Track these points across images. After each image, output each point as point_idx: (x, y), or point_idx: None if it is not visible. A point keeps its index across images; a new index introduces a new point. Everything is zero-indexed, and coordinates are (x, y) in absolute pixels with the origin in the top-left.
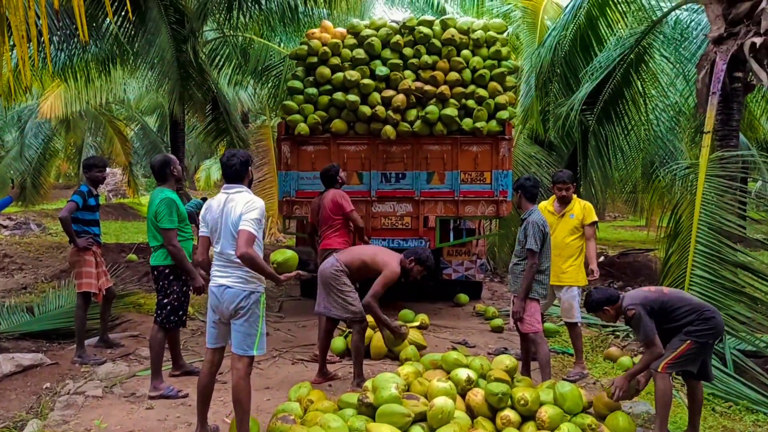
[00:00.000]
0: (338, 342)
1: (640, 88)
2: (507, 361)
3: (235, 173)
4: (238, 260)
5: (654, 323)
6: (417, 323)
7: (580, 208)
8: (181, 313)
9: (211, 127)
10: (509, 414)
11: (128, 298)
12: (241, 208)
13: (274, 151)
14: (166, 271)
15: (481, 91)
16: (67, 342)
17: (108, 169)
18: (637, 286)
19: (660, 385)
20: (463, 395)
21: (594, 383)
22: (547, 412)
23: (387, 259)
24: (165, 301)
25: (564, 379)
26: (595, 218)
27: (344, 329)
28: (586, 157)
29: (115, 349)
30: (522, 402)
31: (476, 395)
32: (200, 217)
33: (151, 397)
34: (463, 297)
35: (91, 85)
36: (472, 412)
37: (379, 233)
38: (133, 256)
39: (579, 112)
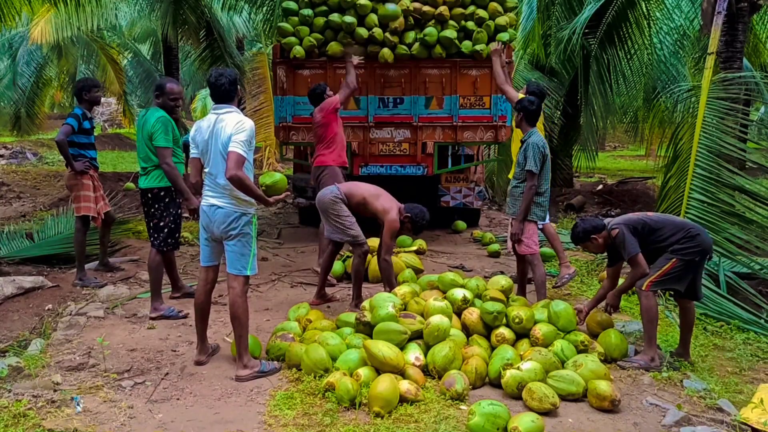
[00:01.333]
0: (336, 266)
1: (645, 10)
2: (503, 281)
3: (224, 93)
4: (226, 185)
5: (638, 241)
6: (414, 248)
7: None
8: (177, 235)
9: (205, 54)
10: (504, 332)
11: (127, 225)
12: (230, 128)
13: (270, 78)
14: (161, 193)
15: (481, 12)
16: (67, 267)
17: (103, 99)
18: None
19: (644, 302)
20: (458, 314)
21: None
22: (541, 330)
23: (388, 205)
24: (161, 224)
25: (555, 286)
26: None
27: (343, 253)
28: (588, 83)
29: (115, 272)
30: (516, 320)
31: (472, 314)
32: (190, 138)
33: (152, 318)
34: (461, 224)
35: (82, 9)
36: (467, 330)
37: (377, 159)
38: (130, 185)
39: (581, 36)
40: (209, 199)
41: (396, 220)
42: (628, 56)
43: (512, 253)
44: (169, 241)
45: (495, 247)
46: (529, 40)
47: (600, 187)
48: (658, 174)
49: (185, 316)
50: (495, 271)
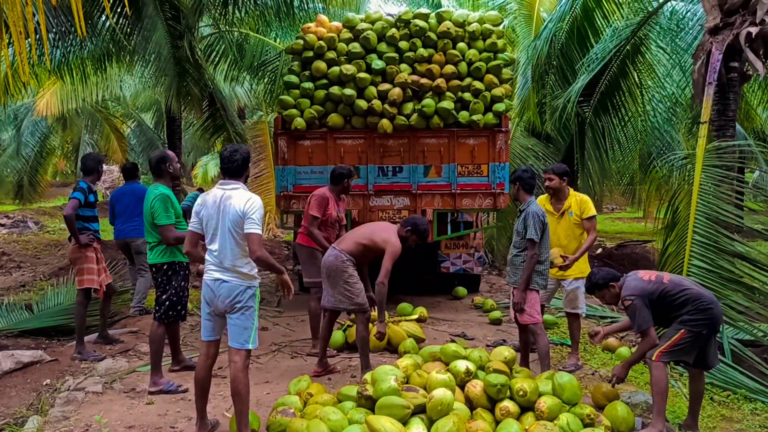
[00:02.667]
0: (336, 336)
1: (637, 80)
2: (506, 352)
3: (236, 169)
4: (234, 262)
5: (651, 313)
6: (415, 316)
7: (577, 203)
8: (179, 307)
9: (208, 124)
10: (508, 405)
11: (126, 295)
12: (240, 206)
13: (271, 146)
14: (164, 267)
15: (478, 84)
16: (66, 339)
17: (105, 166)
18: None
19: (655, 373)
20: (462, 387)
21: (592, 374)
22: (546, 403)
23: (385, 236)
24: (164, 297)
25: (560, 370)
26: (593, 212)
27: (342, 323)
28: (584, 149)
29: (115, 345)
30: (521, 393)
31: (475, 386)
32: (193, 211)
33: (151, 392)
34: (462, 290)
35: (87, 82)
36: (471, 404)
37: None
38: None
39: (576, 104)
40: (213, 273)
41: (397, 245)
42: (623, 123)
43: (515, 322)
44: (171, 313)
45: (496, 314)
46: (525, 108)
47: (599, 251)
48: (657, 237)
49: (185, 391)
50: (497, 340)
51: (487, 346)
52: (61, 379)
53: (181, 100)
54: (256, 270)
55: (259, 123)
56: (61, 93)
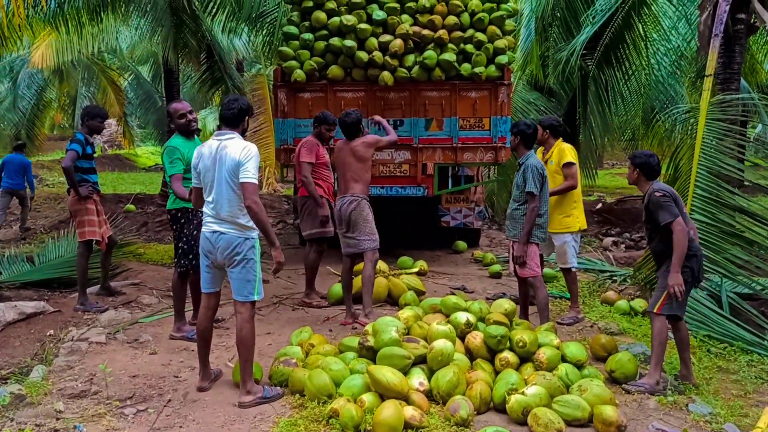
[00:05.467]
0: (336, 288)
1: (642, 32)
2: (506, 304)
3: (233, 117)
4: (227, 217)
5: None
6: (416, 269)
7: (558, 152)
8: (191, 256)
9: (206, 76)
10: (508, 356)
11: (127, 248)
12: (236, 154)
13: (270, 100)
14: (178, 214)
15: (480, 35)
16: (68, 291)
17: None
18: (635, 233)
19: (657, 325)
20: (462, 338)
21: (591, 326)
22: (545, 354)
23: (362, 148)
24: (179, 244)
25: (558, 323)
26: (569, 158)
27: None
28: (586, 103)
29: (117, 296)
30: (520, 344)
31: (475, 338)
32: (192, 166)
33: (173, 337)
34: (462, 244)
35: (83, 33)
36: (471, 354)
37: (377, 181)
38: (130, 206)
39: (580, 57)
40: (211, 225)
41: (372, 137)
42: (626, 77)
43: (514, 275)
44: (183, 262)
45: (496, 267)
46: (527, 61)
47: (599, 206)
48: None
49: None
50: (497, 293)
51: (487, 299)
52: (64, 329)
53: (178, 52)
54: None
55: (258, 76)
56: (57, 44)
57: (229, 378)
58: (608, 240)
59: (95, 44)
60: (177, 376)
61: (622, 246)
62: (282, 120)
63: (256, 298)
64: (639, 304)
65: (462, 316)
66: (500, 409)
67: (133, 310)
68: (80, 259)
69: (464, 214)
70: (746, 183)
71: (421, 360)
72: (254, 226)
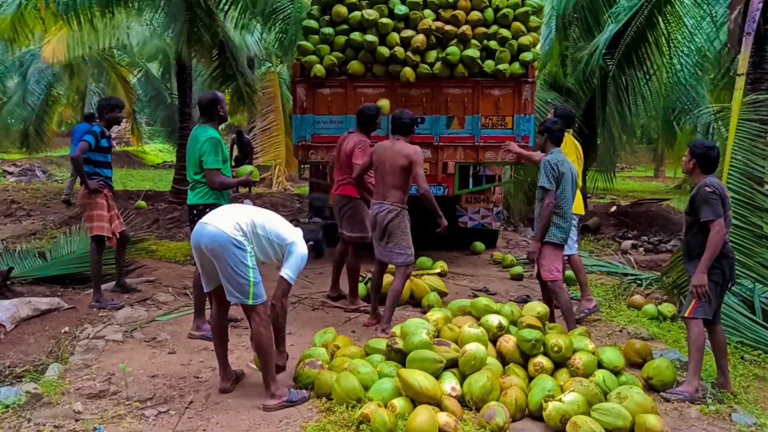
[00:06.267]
0: (359, 288)
1: (665, 31)
2: (538, 307)
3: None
4: None
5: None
6: (437, 270)
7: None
8: None
9: (217, 73)
10: (542, 360)
11: (140, 244)
12: None
13: (281, 98)
14: (207, 210)
15: (504, 32)
16: (81, 287)
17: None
18: (653, 236)
19: (694, 329)
20: (493, 342)
21: (620, 331)
22: (581, 359)
23: (406, 152)
24: None
25: (577, 319)
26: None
27: (364, 275)
28: (605, 104)
29: (132, 293)
30: (555, 348)
31: (508, 342)
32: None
33: (192, 336)
34: (479, 245)
35: (95, 28)
36: (503, 359)
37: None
38: (141, 203)
39: (601, 56)
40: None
41: (417, 150)
42: (647, 77)
43: (536, 278)
44: None
45: (517, 269)
46: (546, 60)
47: (614, 208)
48: (670, 195)
49: None
50: (521, 295)
51: (511, 300)
52: (79, 327)
53: (191, 47)
54: None
55: (269, 74)
56: (68, 39)
57: (251, 379)
58: (627, 243)
59: (107, 40)
60: (197, 377)
61: (641, 249)
62: (301, 116)
63: (250, 302)
64: (667, 308)
65: (494, 319)
66: (536, 416)
67: (149, 307)
68: (93, 254)
69: (482, 214)
70: None
71: (452, 364)
72: None
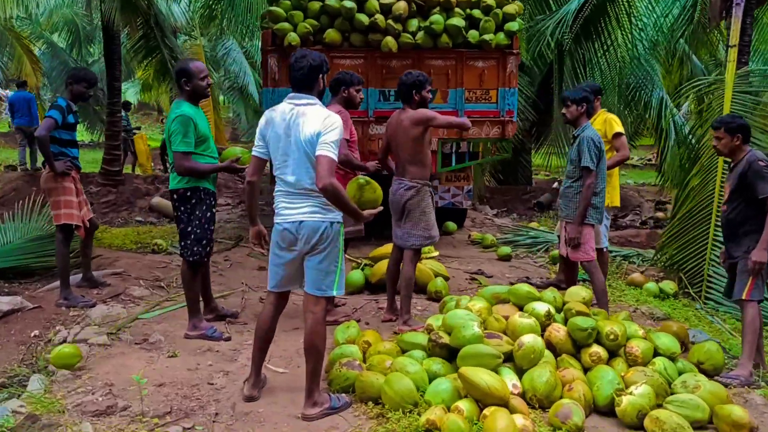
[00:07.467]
0: (355, 276)
1: (626, 3)
2: (582, 292)
3: (302, 79)
4: (312, 188)
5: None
6: (435, 254)
7: (602, 123)
8: (204, 242)
9: (140, 45)
10: (598, 350)
11: (105, 234)
12: (317, 125)
13: (258, 68)
14: (187, 194)
15: (489, 0)
16: (27, 281)
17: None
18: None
19: (750, 311)
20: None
21: (634, 311)
22: (639, 347)
23: (416, 117)
24: (188, 229)
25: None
26: (617, 128)
27: (360, 261)
28: (561, 80)
29: (102, 288)
30: (612, 337)
31: (558, 331)
32: (258, 132)
33: (188, 337)
34: (452, 225)
35: None
36: (553, 350)
37: (372, 157)
38: None
39: (564, 29)
40: (288, 214)
41: (428, 111)
42: (604, 48)
43: (563, 259)
44: (195, 249)
45: (506, 250)
46: None
47: (555, 185)
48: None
49: (228, 339)
50: (520, 277)
51: (511, 283)
52: (51, 329)
53: (128, 16)
54: None
55: (194, 47)
56: None
57: (275, 383)
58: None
59: (12, 8)
60: (211, 383)
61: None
62: (272, 89)
63: (335, 293)
64: (668, 286)
65: (541, 307)
66: (603, 411)
67: (126, 303)
68: (60, 246)
69: (453, 193)
70: None
71: (505, 358)
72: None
